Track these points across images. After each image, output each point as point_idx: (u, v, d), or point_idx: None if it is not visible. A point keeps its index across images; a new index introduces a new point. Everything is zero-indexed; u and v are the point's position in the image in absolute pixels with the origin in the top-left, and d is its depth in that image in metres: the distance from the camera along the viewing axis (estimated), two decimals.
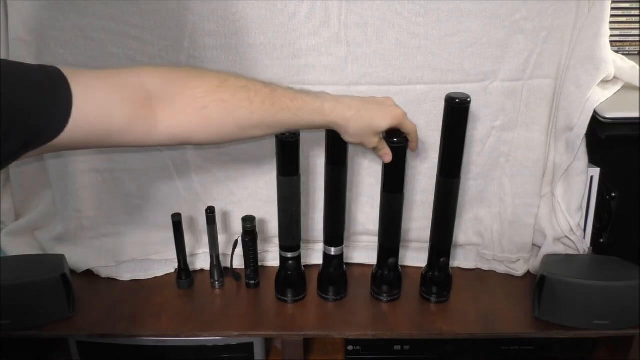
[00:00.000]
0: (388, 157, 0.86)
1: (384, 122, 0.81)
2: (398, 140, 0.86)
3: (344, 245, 0.97)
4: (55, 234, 1.05)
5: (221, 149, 1.00)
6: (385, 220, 0.94)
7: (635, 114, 0.89)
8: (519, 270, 1.05)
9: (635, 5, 1.02)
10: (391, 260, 0.96)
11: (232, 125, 0.72)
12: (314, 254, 1.07)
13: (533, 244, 1.06)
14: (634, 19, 1.03)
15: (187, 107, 0.68)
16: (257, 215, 0.99)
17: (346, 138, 0.82)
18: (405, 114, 0.83)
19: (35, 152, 0.59)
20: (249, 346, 0.99)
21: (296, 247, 0.96)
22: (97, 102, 0.62)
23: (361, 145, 0.83)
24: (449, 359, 1.03)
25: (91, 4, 0.86)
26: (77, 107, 0.59)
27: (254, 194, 1.04)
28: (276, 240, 0.99)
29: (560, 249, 1.03)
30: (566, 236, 1.01)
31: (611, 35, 0.91)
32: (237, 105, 0.71)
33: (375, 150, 0.85)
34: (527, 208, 1.02)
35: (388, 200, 0.92)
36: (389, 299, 0.99)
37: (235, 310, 0.98)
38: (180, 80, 0.69)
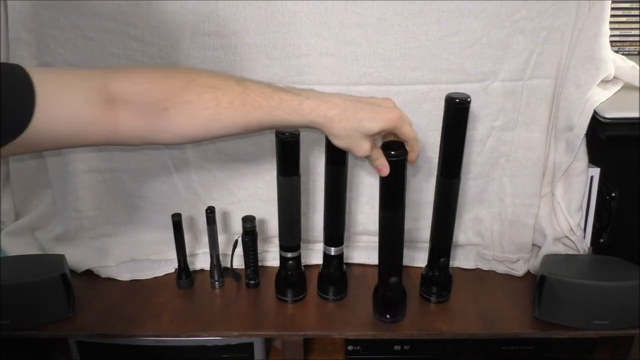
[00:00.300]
0: (385, 169, 0.78)
1: (375, 124, 0.73)
2: (396, 154, 0.78)
3: (344, 245, 0.97)
4: (55, 234, 1.06)
5: (221, 149, 0.99)
6: (386, 239, 0.88)
7: (635, 114, 0.89)
8: (519, 270, 1.05)
9: (635, 5, 1.02)
10: (393, 280, 0.91)
11: (198, 126, 0.69)
12: (314, 254, 1.07)
13: (533, 244, 1.06)
14: (634, 19, 1.03)
15: (146, 109, 0.67)
16: (257, 215, 0.99)
17: (333, 140, 0.75)
18: (403, 118, 0.75)
19: None
20: (249, 346, 0.99)
21: (296, 247, 0.96)
22: (61, 102, 0.61)
23: (350, 151, 0.75)
24: (449, 359, 1.03)
25: (91, 4, 0.86)
26: (40, 106, 0.58)
27: (254, 194, 1.04)
28: (276, 240, 0.99)
29: (560, 249, 1.03)
30: (566, 236, 1.01)
31: (611, 35, 0.91)
32: (202, 106, 0.68)
33: (369, 159, 0.78)
34: (527, 208, 1.02)
35: (387, 218, 0.85)
36: (393, 319, 0.94)
37: (235, 310, 0.98)
38: (145, 82, 0.67)
